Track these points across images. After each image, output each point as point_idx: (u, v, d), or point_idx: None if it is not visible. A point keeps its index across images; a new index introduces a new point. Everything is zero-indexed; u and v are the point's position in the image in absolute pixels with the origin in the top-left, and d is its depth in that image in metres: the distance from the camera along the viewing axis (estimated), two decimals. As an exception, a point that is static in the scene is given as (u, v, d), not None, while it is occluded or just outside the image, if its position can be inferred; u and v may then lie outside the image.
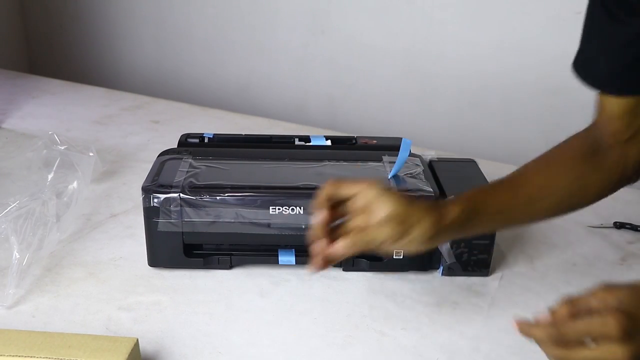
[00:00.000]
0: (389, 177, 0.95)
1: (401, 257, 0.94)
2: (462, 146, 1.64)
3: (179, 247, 0.93)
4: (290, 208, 0.90)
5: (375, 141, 1.09)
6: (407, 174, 0.96)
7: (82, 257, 0.98)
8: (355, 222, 0.71)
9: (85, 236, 1.04)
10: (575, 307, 0.59)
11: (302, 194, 0.90)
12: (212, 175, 0.95)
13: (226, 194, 0.90)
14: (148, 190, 0.90)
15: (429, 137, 1.68)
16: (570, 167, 0.81)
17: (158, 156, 1.01)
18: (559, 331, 0.59)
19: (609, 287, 0.59)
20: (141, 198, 0.91)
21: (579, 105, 1.53)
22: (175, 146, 1.06)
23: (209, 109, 1.71)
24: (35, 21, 2.38)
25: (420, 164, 1.01)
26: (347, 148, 1.07)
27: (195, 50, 2.12)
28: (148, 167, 0.98)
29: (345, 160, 1.01)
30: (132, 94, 1.81)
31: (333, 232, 0.72)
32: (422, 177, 0.96)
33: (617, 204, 1.20)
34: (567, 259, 1.01)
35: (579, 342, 0.57)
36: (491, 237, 0.93)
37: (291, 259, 0.95)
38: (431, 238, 0.72)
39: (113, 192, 1.20)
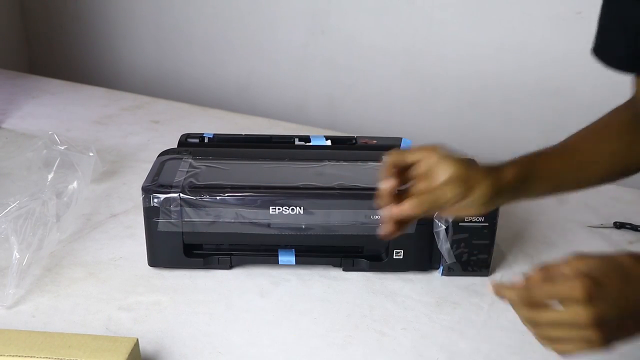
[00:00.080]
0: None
1: (401, 257, 0.94)
2: (462, 146, 1.64)
3: (179, 247, 0.93)
4: (290, 208, 0.90)
5: (375, 141, 1.09)
6: (407, 174, 0.96)
7: (82, 257, 0.98)
8: (420, 185, 0.73)
9: (85, 236, 1.04)
10: (547, 273, 0.62)
11: (302, 194, 0.91)
12: (212, 175, 0.95)
13: (226, 194, 0.90)
14: (148, 190, 0.90)
15: (429, 137, 1.68)
16: (617, 133, 0.83)
17: (158, 156, 1.01)
18: (529, 293, 0.61)
19: (581, 256, 0.62)
20: (141, 198, 0.91)
21: (579, 106, 1.54)
22: (175, 146, 1.06)
23: (209, 109, 1.71)
24: (35, 21, 2.38)
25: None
26: (347, 148, 1.07)
27: (195, 50, 2.12)
28: (148, 167, 0.98)
29: (345, 160, 1.01)
30: (132, 94, 1.81)
31: (399, 198, 0.73)
32: (422, 177, 0.96)
33: (617, 204, 1.20)
34: (567, 259, 1.01)
35: (547, 305, 0.60)
36: (491, 237, 0.93)
37: (291, 259, 0.95)
38: (490, 200, 0.73)
39: (113, 192, 1.20)
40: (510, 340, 0.82)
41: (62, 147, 1.14)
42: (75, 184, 1.07)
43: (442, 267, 0.95)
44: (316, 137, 1.09)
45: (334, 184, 0.93)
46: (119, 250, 1.00)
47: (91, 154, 1.14)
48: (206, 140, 1.08)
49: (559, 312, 0.60)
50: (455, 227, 0.91)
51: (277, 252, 0.95)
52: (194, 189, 0.90)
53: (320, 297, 0.90)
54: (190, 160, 0.99)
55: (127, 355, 0.69)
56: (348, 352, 0.80)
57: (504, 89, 1.63)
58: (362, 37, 1.83)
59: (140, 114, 1.64)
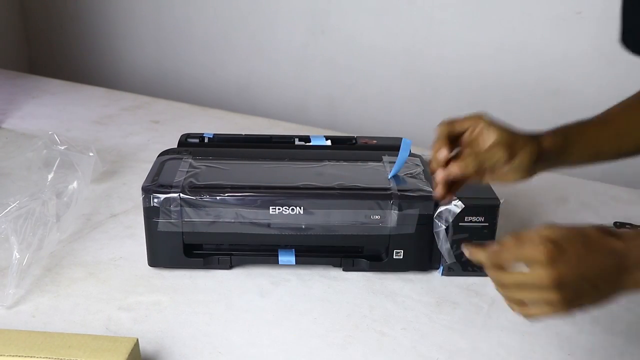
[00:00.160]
0: (389, 177, 0.95)
1: (401, 257, 0.94)
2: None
3: (179, 247, 0.93)
4: (290, 208, 0.90)
5: (375, 141, 1.09)
6: (407, 174, 0.96)
7: (82, 257, 0.98)
8: (468, 149, 0.79)
9: (85, 236, 1.04)
10: (517, 238, 0.65)
11: (302, 194, 0.91)
12: (212, 175, 0.95)
13: (226, 194, 0.90)
14: (148, 190, 0.90)
15: (429, 137, 1.68)
16: None
17: (158, 156, 1.01)
18: (498, 255, 0.66)
19: (551, 225, 0.65)
20: (141, 198, 0.91)
21: (578, 106, 1.53)
22: (175, 146, 1.06)
23: (209, 109, 1.71)
24: (35, 21, 2.38)
25: (420, 164, 1.01)
26: (347, 148, 1.07)
27: (195, 50, 2.12)
28: (148, 167, 0.98)
29: (345, 160, 1.01)
30: (132, 94, 1.81)
31: (448, 164, 0.80)
32: (422, 177, 0.96)
33: (617, 204, 1.20)
34: (567, 259, 1.01)
35: (515, 267, 0.65)
36: (491, 237, 0.93)
37: (291, 259, 0.95)
38: (531, 165, 0.78)
39: (113, 192, 1.20)
40: (510, 340, 0.83)
41: (62, 147, 1.14)
42: (75, 184, 1.07)
43: (442, 267, 0.95)
44: (316, 137, 1.09)
45: (334, 184, 0.93)
46: (119, 250, 1.00)
47: (91, 154, 1.14)
48: (206, 140, 1.08)
49: (523, 274, 0.64)
50: (455, 227, 0.91)
51: (277, 252, 0.95)
52: (194, 189, 0.90)
53: (320, 297, 0.90)
54: (190, 160, 0.99)
55: (127, 355, 0.69)
56: (348, 352, 0.80)
57: (504, 89, 1.64)
58: (362, 37, 1.83)
59: (140, 114, 1.64)
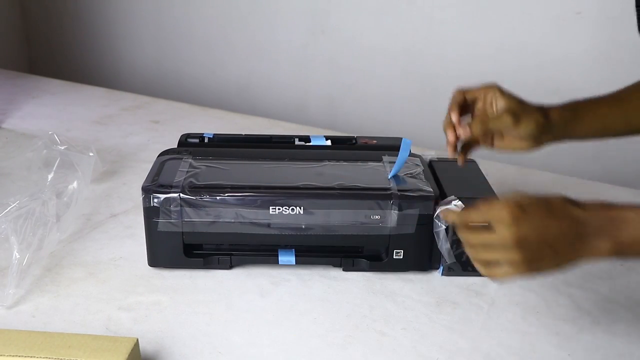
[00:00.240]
0: (389, 177, 0.95)
1: (401, 257, 0.94)
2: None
3: (179, 247, 0.93)
4: (290, 208, 0.90)
5: (375, 141, 1.09)
6: (407, 174, 0.96)
7: (82, 257, 0.98)
8: (479, 113, 0.85)
9: (85, 236, 1.04)
10: (487, 203, 0.70)
11: (302, 194, 0.91)
12: (212, 175, 0.95)
13: (226, 194, 0.90)
14: (148, 190, 0.90)
15: (429, 137, 1.68)
16: None
17: (158, 156, 1.01)
18: (467, 216, 0.72)
19: (518, 192, 0.70)
20: (141, 198, 0.91)
21: (579, 105, 1.53)
22: (175, 146, 1.06)
23: (209, 109, 1.71)
24: (35, 21, 2.38)
25: (420, 164, 1.01)
26: (347, 148, 1.07)
27: (195, 50, 2.12)
28: (148, 167, 0.98)
29: (345, 160, 1.01)
30: (132, 94, 1.81)
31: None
32: (422, 177, 0.96)
33: (617, 204, 1.19)
34: (567, 259, 1.01)
35: (482, 228, 0.70)
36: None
37: (291, 259, 0.95)
38: (538, 133, 0.82)
39: (113, 192, 1.20)
40: (510, 340, 0.83)
41: (62, 147, 1.14)
42: (75, 184, 1.07)
43: (442, 267, 0.95)
44: (316, 137, 1.09)
45: (334, 184, 0.93)
46: (119, 250, 1.00)
47: (91, 154, 1.14)
48: (206, 140, 1.08)
49: (489, 234, 0.69)
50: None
51: (277, 252, 0.95)
52: (194, 189, 0.90)
53: (320, 297, 0.90)
54: (190, 160, 0.99)
55: (127, 355, 0.69)
56: (348, 352, 0.80)
57: (504, 89, 1.63)
58: (362, 37, 1.83)
59: (140, 114, 1.64)
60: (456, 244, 0.92)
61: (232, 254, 0.95)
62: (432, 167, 1.03)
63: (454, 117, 0.84)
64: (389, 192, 0.91)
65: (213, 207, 0.90)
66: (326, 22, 1.87)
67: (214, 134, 1.10)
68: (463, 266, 0.94)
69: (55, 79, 1.93)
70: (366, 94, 1.87)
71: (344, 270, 0.96)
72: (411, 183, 0.94)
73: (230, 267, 0.96)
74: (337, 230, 0.91)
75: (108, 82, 2.13)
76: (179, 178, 0.93)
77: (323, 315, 0.86)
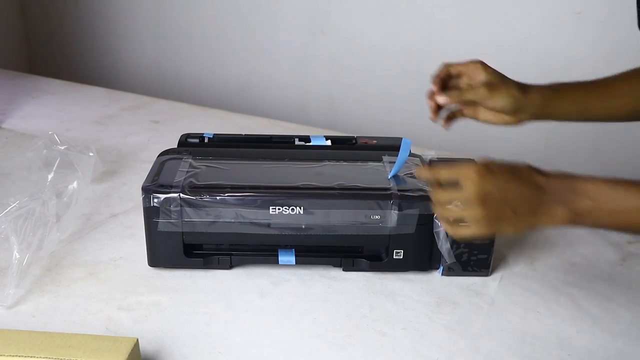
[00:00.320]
0: (389, 177, 0.95)
1: (401, 257, 0.94)
2: (462, 146, 1.64)
3: (179, 247, 0.93)
4: (290, 208, 0.90)
5: (375, 141, 1.09)
6: (407, 174, 0.96)
7: (82, 257, 0.98)
8: (456, 84, 0.90)
9: (85, 236, 1.04)
10: (458, 163, 0.75)
11: (302, 194, 0.91)
12: (212, 175, 0.95)
13: (226, 194, 0.90)
14: (148, 190, 0.90)
15: (429, 137, 1.68)
16: None
17: (158, 156, 1.01)
18: (438, 173, 0.76)
19: (488, 157, 0.74)
20: (141, 198, 0.91)
21: (579, 105, 1.53)
22: (175, 146, 1.06)
23: (209, 109, 1.71)
24: (35, 21, 2.38)
25: (420, 164, 1.01)
26: (347, 148, 1.07)
27: (195, 50, 2.12)
28: (148, 167, 0.98)
29: (345, 160, 1.01)
30: (132, 94, 1.81)
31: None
32: (422, 177, 0.96)
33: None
34: (567, 259, 1.01)
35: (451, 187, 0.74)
36: (491, 237, 0.93)
37: (291, 259, 0.95)
38: (515, 108, 0.87)
39: (113, 192, 1.20)
40: (510, 340, 0.83)
41: (62, 147, 1.14)
42: (75, 184, 1.07)
43: (442, 267, 0.95)
44: (316, 137, 1.09)
45: (334, 184, 0.93)
46: (119, 250, 1.00)
47: (91, 154, 1.14)
48: (206, 140, 1.08)
49: (456, 191, 0.73)
50: (455, 227, 0.91)
51: (277, 252, 0.95)
52: (194, 189, 0.90)
53: (320, 297, 0.90)
54: (190, 160, 0.99)
55: (127, 355, 0.69)
56: (348, 352, 0.80)
57: (504, 89, 1.63)
58: (362, 37, 1.83)
59: (140, 114, 1.64)
60: (456, 244, 0.92)
61: (232, 254, 0.95)
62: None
63: (434, 87, 0.89)
64: (389, 192, 0.91)
65: (213, 207, 0.90)
66: (326, 22, 1.87)
67: (214, 134, 1.10)
68: (463, 266, 0.94)
69: (55, 79, 1.93)
70: (366, 94, 1.87)
71: (344, 270, 0.96)
72: (411, 183, 0.94)
73: (230, 267, 0.96)
74: (337, 230, 0.91)
75: (108, 82, 2.13)
76: (179, 178, 0.93)
77: (323, 315, 0.86)
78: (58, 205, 1.00)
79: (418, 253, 0.94)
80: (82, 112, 1.64)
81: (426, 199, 0.90)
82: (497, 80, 0.88)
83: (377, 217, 0.90)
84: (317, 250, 0.96)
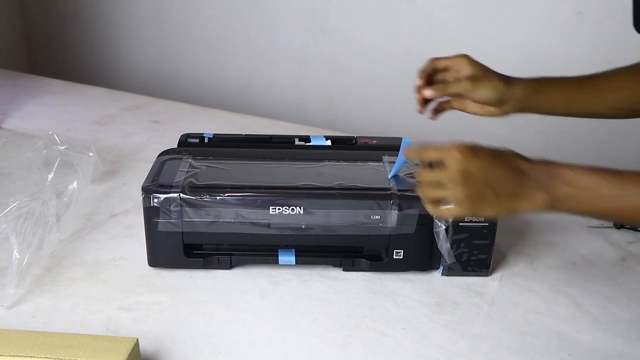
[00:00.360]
0: (389, 177, 0.95)
1: (401, 257, 0.94)
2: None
3: (179, 247, 0.93)
4: (290, 208, 0.90)
5: (375, 141, 1.09)
6: (407, 174, 0.96)
7: (82, 257, 0.98)
8: (443, 78, 0.94)
9: (85, 236, 1.04)
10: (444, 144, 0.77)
11: (302, 194, 0.91)
12: (212, 175, 0.95)
13: (226, 194, 0.90)
14: (148, 190, 0.90)
15: (429, 137, 1.68)
16: (636, 75, 0.93)
17: (158, 156, 1.01)
18: (423, 153, 0.78)
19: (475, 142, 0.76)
20: (141, 198, 0.91)
21: (579, 105, 1.53)
22: (175, 146, 1.06)
23: (209, 109, 1.71)
24: (35, 21, 2.38)
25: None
26: (347, 148, 1.07)
27: (195, 50, 2.12)
28: (148, 167, 0.98)
29: (345, 160, 1.01)
30: (132, 94, 1.81)
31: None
32: (422, 177, 0.96)
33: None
34: (567, 259, 1.01)
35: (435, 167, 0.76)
36: (491, 237, 0.93)
37: (291, 259, 0.95)
38: (498, 99, 0.91)
39: (113, 192, 1.20)
40: (510, 340, 0.83)
41: (62, 147, 1.14)
42: (75, 184, 1.07)
43: (442, 267, 0.95)
44: (316, 137, 1.09)
45: (334, 184, 0.93)
46: (119, 250, 1.00)
47: (91, 154, 1.14)
48: (206, 140, 1.08)
49: (439, 171, 0.75)
50: (456, 227, 0.91)
51: (277, 252, 0.95)
52: (194, 189, 0.90)
53: (320, 297, 0.90)
54: (190, 160, 0.99)
55: (127, 355, 0.69)
56: (348, 352, 0.80)
57: (504, 89, 1.63)
58: (362, 37, 1.83)
59: (140, 114, 1.64)
60: (456, 244, 0.92)
61: (232, 254, 0.95)
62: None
63: (419, 81, 0.94)
64: (389, 192, 0.91)
65: (213, 207, 0.90)
66: (326, 22, 1.87)
67: (214, 134, 1.10)
68: (463, 266, 0.94)
69: (55, 79, 1.93)
70: (366, 94, 1.87)
71: (344, 270, 0.96)
72: (411, 183, 0.94)
73: (230, 267, 0.96)
74: (337, 230, 0.91)
75: (108, 82, 2.13)
76: (179, 178, 0.93)
77: (323, 315, 0.86)
78: (58, 205, 1.00)
79: (418, 253, 0.94)
80: (82, 112, 1.64)
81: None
82: (481, 73, 0.91)
83: (377, 217, 0.90)
84: (317, 250, 0.96)
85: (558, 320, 0.87)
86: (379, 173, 0.97)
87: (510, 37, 1.63)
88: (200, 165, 0.97)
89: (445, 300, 0.90)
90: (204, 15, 2.05)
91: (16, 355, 0.68)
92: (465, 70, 0.91)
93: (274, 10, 1.93)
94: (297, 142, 1.08)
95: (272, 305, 0.88)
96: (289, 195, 0.90)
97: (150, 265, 0.95)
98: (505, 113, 0.93)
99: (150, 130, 1.53)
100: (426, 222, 0.91)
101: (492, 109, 0.92)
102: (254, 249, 0.96)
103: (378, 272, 0.96)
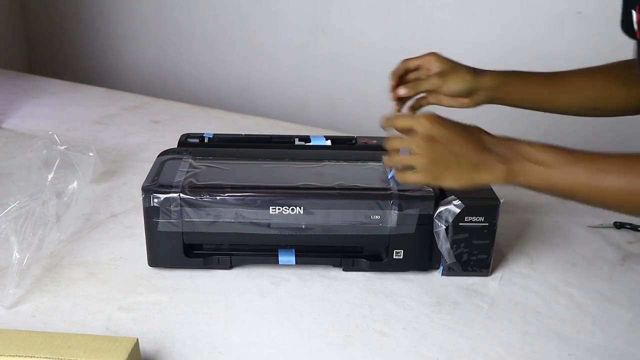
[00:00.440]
0: (389, 177, 0.95)
1: (401, 257, 0.94)
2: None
3: (179, 247, 0.93)
4: (290, 208, 0.90)
5: (375, 141, 1.09)
6: (407, 174, 0.96)
7: (82, 257, 0.98)
8: (415, 76, 0.99)
9: (85, 236, 1.04)
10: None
11: (302, 194, 0.90)
12: (212, 175, 0.95)
13: (226, 194, 0.90)
14: (148, 190, 0.90)
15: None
16: (604, 74, 0.99)
17: (158, 156, 1.01)
18: (394, 121, 0.84)
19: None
20: (141, 198, 0.91)
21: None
22: (175, 146, 1.06)
23: (209, 109, 1.71)
24: (35, 21, 2.38)
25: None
26: (347, 148, 1.07)
27: (196, 50, 2.12)
28: (148, 167, 0.98)
29: (345, 160, 1.01)
30: (132, 94, 1.81)
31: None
32: (422, 177, 0.96)
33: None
34: (567, 259, 1.01)
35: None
36: (491, 237, 0.93)
37: (291, 259, 0.95)
38: (467, 91, 0.96)
39: (113, 192, 1.20)
40: (510, 340, 0.83)
41: (62, 147, 1.14)
42: (75, 184, 1.07)
43: (442, 267, 0.95)
44: (316, 137, 1.09)
45: (334, 184, 0.93)
46: (119, 250, 1.00)
47: (91, 154, 1.14)
48: (206, 140, 1.08)
49: (408, 138, 0.80)
50: (455, 227, 0.91)
51: (277, 252, 0.95)
52: (194, 189, 0.90)
53: (320, 297, 0.90)
54: (190, 160, 0.99)
55: (127, 355, 0.69)
56: (348, 352, 0.80)
57: (504, 89, 1.63)
58: (362, 37, 1.83)
59: (140, 114, 1.64)
60: (456, 244, 0.92)
61: (232, 254, 0.95)
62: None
63: (392, 82, 0.99)
64: (389, 192, 0.91)
65: (213, 207, 0.90)
66: (326, 22, 1.87)
67: (214, 134, 1.10)
68: (463, 266, 0.94)
69: (55, 79, 1.93)
70: (366, 94, 1.87)
71: (344, 270, 0.96)
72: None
73: (230, 267, 0.96)
74: (337, 230, 0.91)
75: (108, 82, 2.13)
76: (179, 178, 0.93)
77: (323, 315, 0.86)
78: (58, 205, 1.00)
79: (418, 253, 0.94)
80: (82, 112, 1.64)
81: (426, 199, 0.90)
82: (449, 68, 0.96)
83: (377, 217, 0.90)
84: (317, 250, 0.96)
85: (558, 320, 0.87)
86: (379, 173, 0.97)
87: (511, 37, 1.63)
88: (200, 165, 0.97)
89: (445, 300, 0.90)
90: (204, 15, 2.06)
91: (16, 355, 0.68)
92: (435, 67, 0.97)
93: (274, 10, 1.93)
94: (297, 142, 1.08)
95: (272, 305, 0.88)
96: (289, 195, 0.90)
97: (150, 265, 0.95)
98: (476, 103, 0.98)
99: (150, 130, 1.53)
100: (426, 222, 0.91)
101: (464, 101, 0.97)
102: (254, 249, 0.96)
103: (378, 272, 0.96)
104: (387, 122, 0.85)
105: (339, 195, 0.91)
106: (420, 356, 0.79)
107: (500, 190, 0.95)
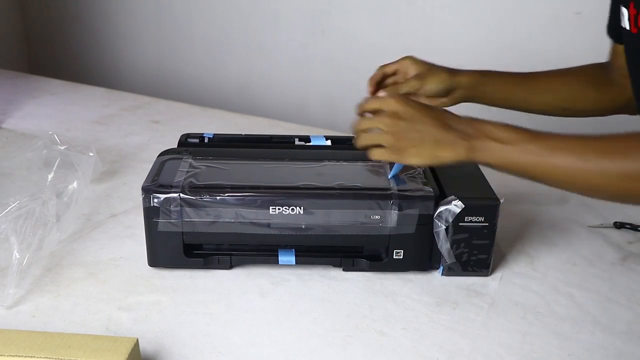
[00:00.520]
0: (389, 177, 0.95)
1: (401, 257, 0.94)
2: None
3: (179, 247, 0.93)
4: (290, 208, 0.90)
5: (375, 141, 1.09)
6: (407, 174, 0.96)
7: (82, 257, 0.98)
8: (394, 80, 1.02)
9: (85, 236, 1.04)
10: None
11: (302, 194, 0.91)
12: (212, 175, 0.95)
13: (226, 194, 0.90)
14: (148, 190, 0.90)
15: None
16: (576, 76, 1.03)
17: (158, 156, 1.01)
18: (365, 104, 0.89)
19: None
20: (141, 198, 0.91)
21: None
22: (175, 146, 1.06)
23: (209, 109, 1.71)
24: (35, 21, 2.38)
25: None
26: (347, 148, 1.07)
27: (196, 50, 2.12)
28: (148, 167, 0.98)
29: (345, 160, 1.01)
30: (132, 94, 1.81)
31: None
32: (422, 177, 0.96)
33: (618, 205, 1.19)
34: (567, 259, 1.01)
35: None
36: (491, 237, 0.93)
37: (291, 259, 0.95)
38: (445, 91, 0.99)
39: (113, 192, 1.20)
40: (510, 340, 0.83)
41: (62, 147, 1.14)
42: (75, 184, 1.07)
43: (442, 267, 0.95)
44: (316, 137, 1.10)
45: (334, 184, 0.93)
46: (119, 250, 1.00)
47: (91, 154, 1.14)
48: (206, 140, 1.08)
49: (376, 118, 0.84)
50: (455, 227, 0.91)
51: (277, 252, 0.95)
52: (194, 189, 0.90)
53: (320, 297, 0.90)
54: (190, 160, 0.99)
55: (127, 355, 0.69)
56: (348, 352, 0.80)
57: (504, 89, 1.63)
58: (362, 37, 1.83)
59: (140, 114, 1.64)
60: (456, 244, 0.92)
61: (232, 254, 0.95)
62: (432, 167, 1.03)
63: (370, 88, 1.02)
64: (389, 192, 0.91)
65: (213, 207, 0.90)
66: (326, 22, 1.87)
67: (214, 134, 1.10)
68: (463, 266, 0.94)
69: (55, 79, 1.93)
70: (366, 94, 1.87)
71: (344, 270, 0.96)
72: (411, 183, 0.94)
73: (230, 267, 0.96)
74: (337, 230, 0.91)
75: (108, 82, 2.13)
76: (179, 178, 0.93)
77: (323, 315, 0.86)
78: (58, 205, 1.00)
79: (418, 253, 0.94)
80: (82, 112, 1.64)
81: (426, 199, 0.90)
82: (426, 70, 0.99)
83: (377, 217, 0.90)
84: (317, 250, 0.96)
85: (558, 320, 0.87)
86: (379, 173, 0.97)
87: (510, 37, 1.63)
88: (200, 165, 0.97)
89: (445, 300, 0.90)
90: (204, 15, 2.06)
91: (16, 355, 0.68)
92: (412, 70, 1.00)
93: (274, 10, 1.93)
94: (297, 142, 1.08)
95: (272, 305, 0.88)
96: (289, 195, 0.90)
97: (150, 265, 0.95)
98: (455, 102, 1.01)
99: (150, 130, 1.53)
100: (426, 222, 0.91)
101: (443, 100, 1.00)
102: (254, 249, 0.96)
103: (378, 272, 0.96)
104: (359, 108, 0.90)
105: (339, 195, 0.91)
106: (420, 356, 0.79)
107: (501, 191, 0.95)
